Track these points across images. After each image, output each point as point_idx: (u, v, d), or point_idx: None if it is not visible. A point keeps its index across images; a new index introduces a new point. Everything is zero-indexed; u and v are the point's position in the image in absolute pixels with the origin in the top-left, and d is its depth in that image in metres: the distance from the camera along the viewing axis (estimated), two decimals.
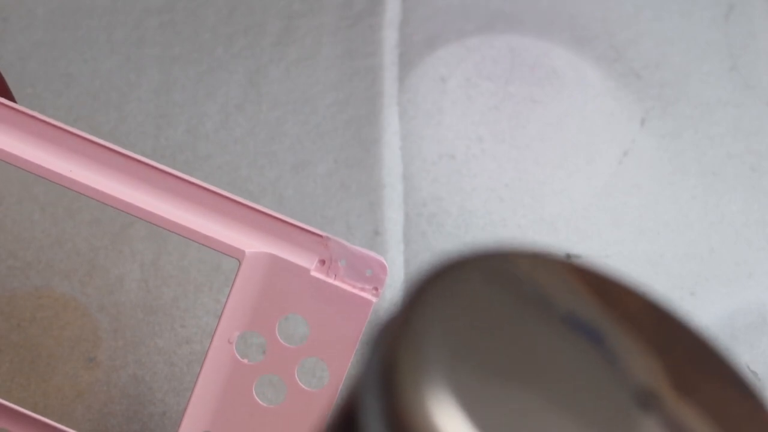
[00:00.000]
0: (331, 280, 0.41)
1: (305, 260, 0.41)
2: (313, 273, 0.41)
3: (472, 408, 0.18)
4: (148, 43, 0.68)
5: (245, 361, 0.42)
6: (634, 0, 0.72)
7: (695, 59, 0.70)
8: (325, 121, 0.65)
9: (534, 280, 0.21)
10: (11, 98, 0.44)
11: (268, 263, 0.41)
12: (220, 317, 0.42)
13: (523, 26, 0.70)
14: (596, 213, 0.63)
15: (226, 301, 0.41)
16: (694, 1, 0.72)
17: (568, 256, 0.61)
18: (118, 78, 0.66)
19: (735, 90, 0.68)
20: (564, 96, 0.67)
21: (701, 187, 0.64)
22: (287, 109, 0.65)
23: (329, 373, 0.41)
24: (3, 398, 0.45)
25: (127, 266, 0.58)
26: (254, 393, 0.42)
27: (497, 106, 0.66)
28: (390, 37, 0.69)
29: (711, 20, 0.71)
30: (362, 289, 0.41)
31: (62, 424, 0.49)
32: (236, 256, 0.41)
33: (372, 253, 0.41)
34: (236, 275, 0.41)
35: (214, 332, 0.42)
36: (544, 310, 0.20)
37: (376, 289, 0.41)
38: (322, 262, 0.41)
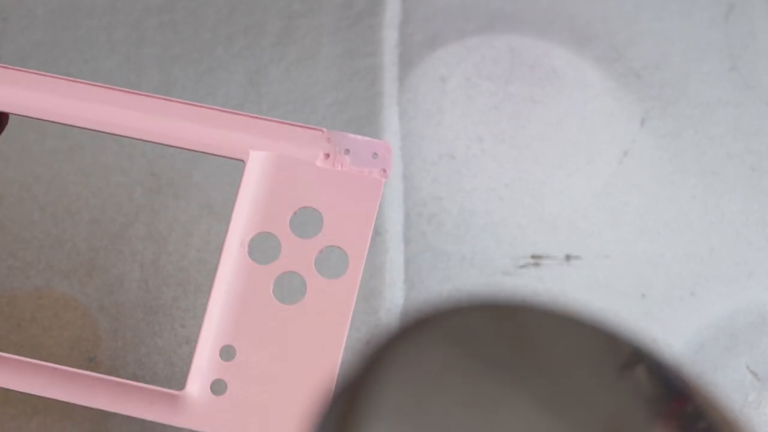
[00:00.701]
0: (338, 170, 0.41)
1: (309, 156, 0.41)
2: (319, 164, 0.41)
3: None
4: (148, 43, 0.68)
5: (260, 264, 0.41)
6: (634, 0, 0.72)
7: (695, 59, 0.70)
8: (325, 121, 0.65)
9: (496, 339, 0.20)
10: None
11: (273, 162, 0.41)
12: (229, 222, 0.41)
13: (523, 26, 0.70)
14: (596, 213, 0.63)
15: (234, 205, 0.41)
16: (694, 1, 0.72)
17: (568, 257, 0.61)
18: (118, 78, 0.66)
19: (735, 90, 0.68)
20: (564, 96, 0.67)
21: (701, 187, 0.64)
22: (287, 109, 0.65)
23: (349, 260, 0.41)
24: (2, 398, 0.45)
25: (127, 266, 0.58)
26: (273, 295, 0.41)
27: (497, 106, 0.66)
28: (390, 37, 0.69)
29: (711, 20, 0.71)
30: (370, 172, 0.41)
31: (62, 424, 0.49)
32: (240, 157, 0.41)
33: (375, 139, 0.41)
34: (241, 177, 0.41)
35: (224, 239, 0.41)
36: (507, 374, 0.19)
37: (383, 170, 0.41)
38: (327, 155, 0.41)
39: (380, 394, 0.18)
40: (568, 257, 0.61)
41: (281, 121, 0.42)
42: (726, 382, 0.58)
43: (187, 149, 0.42)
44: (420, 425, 0.18)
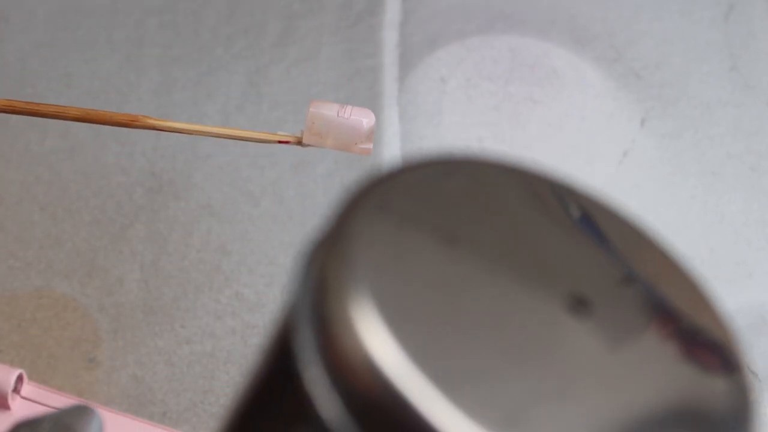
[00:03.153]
0: None
1: None
2: None
3: (398, 323, 0.18)
4: (148, 44, 0.68)
5: None
6: (634, 0, 0.72)
7: (695, 59, 0.70)
8: None
9: (464, 189, 0.21)
10: None
11: None
12: None
13: (524, 26, 0.70)
14: None
15: None
16: (694, 1, 0.72)
17: None
18: (118, 78, 0.66)
19: (735, 90, 0.68)
20: (564, 96, 0.67)
21: (701, 187, 0.64)
22: (287, 109, 0.65)
23: None
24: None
25: (127, 266, 0.58)
26: None
27: (497, 107, 0.66)
28: (390, 37, 0.69)
29: (711, 20, 0.71)
30: None
31: None
32: None
33: None
34: None
35: None
36: (469, 220, 0.20)
37: None
38: None
39: (358, 244, 0.19)
40: None
41: None
42: None
43: None
44: (397, 269, 0.19)
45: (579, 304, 0.19)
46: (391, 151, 0.64)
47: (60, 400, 0.47)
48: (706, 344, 0.20)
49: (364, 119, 0.39)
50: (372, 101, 0.66)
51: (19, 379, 0.47)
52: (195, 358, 0.56)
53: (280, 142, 0.40)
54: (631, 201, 0.63)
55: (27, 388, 0.47)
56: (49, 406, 0.47)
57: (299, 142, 0.40)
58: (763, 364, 0.58)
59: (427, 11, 0.70)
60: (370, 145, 0.39)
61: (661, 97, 0.68)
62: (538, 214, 0.21)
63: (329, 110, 0.39)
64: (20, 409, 0.47)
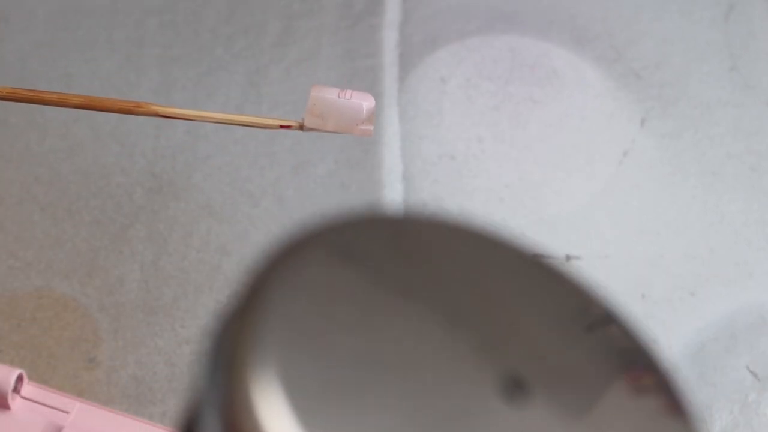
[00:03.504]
0: None
1: None
2: None
3: (306, 411, 0.17)
4: (148, 44, 0.68)
5: None
6: (634, 0, 0.72)
7: (695, 59, 0.70)
8: None
9: (381, 252, 0.19)
10: None
11: None
12: None
13: (523, 26, 0.70)
14: (596, 213, 0.63)
15: None
16: (694, 1, 0.72)
17: (568, 257, 0.61)
18: (118, 78, 0.66)
19: (735, 90, 0.68)
20: (564, 96, 0.67)
21: (701, 187, 0.64)
22: (287, 109, 0.65)
23: None
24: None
25: (127, 266, 0.58)
26: None
27: (497, 107, 0.66)
28: (390, 37, 0.69)
29: (711, 20, 0.71)
30: None
31: None
32: None
33: None
34: None
35: None
36: (396, 289, 0.19)
37: None
38: None
39: (268, 323, 0.18)
40: (568, 257, 0.61)
41: None
42: (726, 382, 0.58)
43: None
44: (312, 350, 0.18)
45: (515, 387, 0.18)
46: (391, 151, 0.64)
47: (60, 400, 0.47)
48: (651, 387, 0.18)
49: (364, 101, 0.39)
50: None
51: (19, 379, 0.47)
52: (195, 357, 0.56)
53: (281, 126, 0.40)
54: (631, 201, 0.63)
55: (27, 388, 0.47)
56: (49, 406, 0.47)
57: (301, 127, 0.40)
58: (763, 364, 0.58)
59: (427, 11, 0.70)
60: (371, 127, 0.39)
61: (661, 97, 0.68)
62: (476, 279, 0.20)
63: (330, 93, 0.39)
64: (20, 409, 0.47)
